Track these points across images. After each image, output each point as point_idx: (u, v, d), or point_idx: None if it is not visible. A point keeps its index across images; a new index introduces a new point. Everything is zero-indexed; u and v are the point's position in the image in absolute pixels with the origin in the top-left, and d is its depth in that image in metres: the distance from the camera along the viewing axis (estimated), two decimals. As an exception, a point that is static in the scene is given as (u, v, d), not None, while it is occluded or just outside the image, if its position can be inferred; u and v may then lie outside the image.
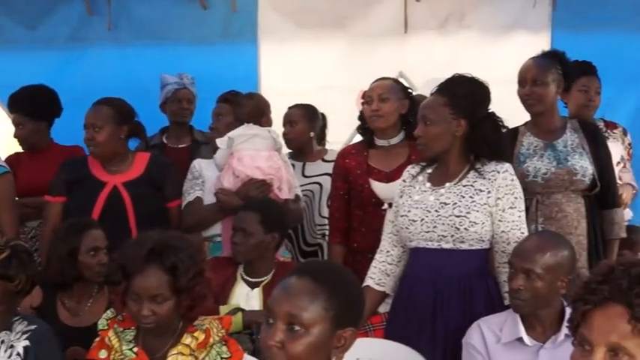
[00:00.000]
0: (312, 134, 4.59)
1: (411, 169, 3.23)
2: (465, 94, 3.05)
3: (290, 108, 4.63)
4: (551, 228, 3.47)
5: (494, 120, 3.10)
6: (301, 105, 4.64)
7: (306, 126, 4.58)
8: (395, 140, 3.80)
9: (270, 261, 3.46)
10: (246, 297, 3.39)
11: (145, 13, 5.42)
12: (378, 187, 3.73)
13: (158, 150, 4.56)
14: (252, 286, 3.42)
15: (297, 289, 1.85)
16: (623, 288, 1.66)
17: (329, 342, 1.85)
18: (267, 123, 4.11)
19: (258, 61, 5.30)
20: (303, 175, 4.49)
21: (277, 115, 4.47)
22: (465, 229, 2.97)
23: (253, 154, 3.81)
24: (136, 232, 3.56)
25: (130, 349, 2.58)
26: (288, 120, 4.59)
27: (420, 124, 3.07)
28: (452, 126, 3.03)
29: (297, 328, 1.81)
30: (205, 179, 3.91)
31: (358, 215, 3.80)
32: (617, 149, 4.28)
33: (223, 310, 3.24)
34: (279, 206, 3.66)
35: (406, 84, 4.52)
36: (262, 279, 3.42)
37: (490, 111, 3.10)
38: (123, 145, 3.85)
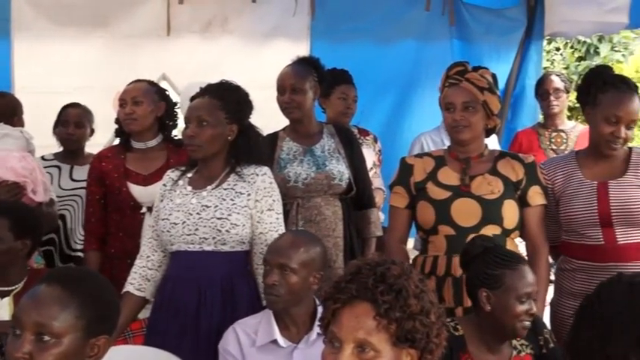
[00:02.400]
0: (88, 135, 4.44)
1: (171, 174, 3.22)
2: (236, 100, 3.11)
3: (69, 107, 4.43)
4: (311, 231, 3.56)
5: (254, 126, 3.19)
6: (80, 104, 4.46)
7: (87, 126, 4.42)
8: (152, 143, 3.76)
9: (22, 268, 3.28)
10: (-5, 307, 3.20)
11: None
12: (136, 190, 3.67)
13: None
14: (2, 295, 3.23)
15: (46, 297, 1.78)
16: (369, 286, 1.75)
17: (81, 351, 1.81)
18: (20, 123, 3.93)
19: (11, 58, 4.99)
20: (71, 179, 4.33)
21: (32, 115, 4.25)
22: (227, 231, 2.99)
23: (4, 155, 3.61)
24: None
25: None
26: (72, 119, 4.39)
27: (193, 125, 3.06)
28: (226, 130, 3.07)
29: (46, 338, 1.75)
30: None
31: (115, 220, 3.71)
32: (369, 155, 4.51)
33: (-31, 322, 3.04)
34: (32, 210, 3.48)
35: (169, 87, 4.48)
36: (13, 287, 3.23)
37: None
38: None
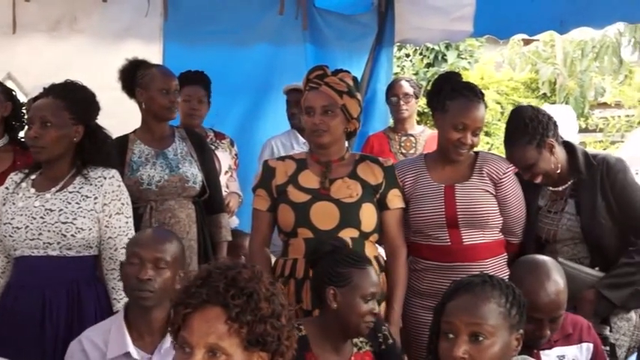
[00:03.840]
0: None
1: (14, 176, 3.11)
2: (82, 100, 3.05)
3: None
4: (165, 234, 3.54)
5: (102, 128, 3.13)
6: None
7: None
8: None
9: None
10: None
11: None
12: (-19, 194, 3.51)
13: None
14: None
15: None
16: (220, 290, 1.74)
17: None
18: None
19: None
20: None
21: None
22: (72, 235, 2.92)
23: None
24: None
25: None
26: None
27: (36, 126, 2.96)
28: (71, 131, 3.00)
29: None
30: None
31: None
32: (225, 159, 4.49)
33: None
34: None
35: (15, 87, 4.31)
36: None
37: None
38: None
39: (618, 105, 7.49)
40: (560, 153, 3.32)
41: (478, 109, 3.24)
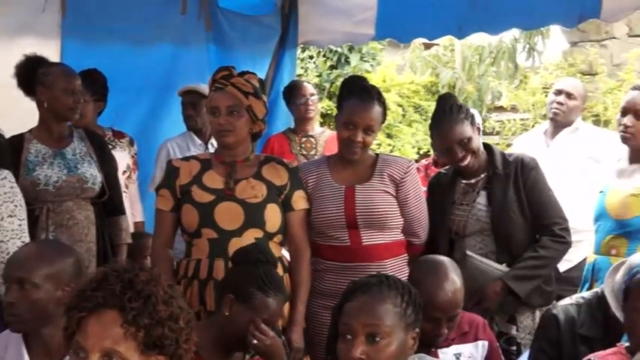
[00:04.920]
0: None
1: None
2: None
3: None
4: (63, 236, 3.47)
5: None
6: None
7: None
8: None
9: None
10: None
11: None
12: None
13: None
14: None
15: None
16: (116, 293, 1.71)
17: None
18: None
19: None
20: None
21: None
22: None
23: None
24: None
25: None
26: None
27: None
28: None
29: None
30: None
31: None
32: (123, 158, 4.41)
33: None
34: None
35: None
36: None
37: None
38: None
39: (514, 109, 7.74)
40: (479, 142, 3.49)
41: (368, 108, 3.29)
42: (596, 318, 2.96)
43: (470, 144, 3.41)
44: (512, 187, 3.45)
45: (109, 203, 3.73)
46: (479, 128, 3.65)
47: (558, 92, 4.88)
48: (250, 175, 3.22)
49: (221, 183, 3.19)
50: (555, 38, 8.09)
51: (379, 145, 8.39)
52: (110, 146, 4.18)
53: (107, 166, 3.76)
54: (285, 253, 3.39)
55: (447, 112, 3.43)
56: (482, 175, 3.51)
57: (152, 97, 5.22)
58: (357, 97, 3.30)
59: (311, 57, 9.10)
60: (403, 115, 8.88)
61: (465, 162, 3.43)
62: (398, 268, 3.28)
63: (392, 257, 3.35)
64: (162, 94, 5.20)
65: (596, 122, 7.02)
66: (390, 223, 3.34)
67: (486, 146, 3.59)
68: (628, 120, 3.55)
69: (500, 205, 3.43)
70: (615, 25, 7.38)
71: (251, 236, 3.10)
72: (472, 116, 3.48)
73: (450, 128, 3.41)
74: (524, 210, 3.44)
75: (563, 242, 3.45)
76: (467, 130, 3.40)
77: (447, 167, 3.70)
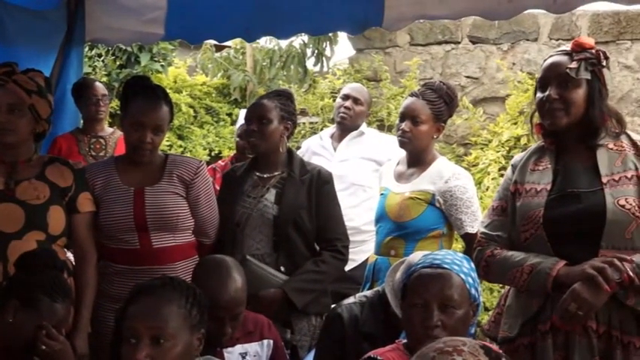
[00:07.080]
0: None
1: None
2: None
3: None
4: None
5: None
6: None
7: None
8: None
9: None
10: None
11: None
12: None
13: None
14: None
15: None
16: None
17: None
18: None
19: None
20: None
21: None
22: None
23: None
24: None
25: None
26: None
27: None
28: None
29: None
30: None
31: None
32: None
33: None
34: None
35: None
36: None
37: None
38: None
39: (303, 112, 7.94)
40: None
41: (156, 108, 3.28)
42: (377, 316, 3.10)
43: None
44: (305, 193, 3.53)
45: None
46: None
47: (345, 97, 5.07)
48: (32, 176, 3.13)
49: (1, 184, 3.08)
50: (343, 44, 8.39)
51: (170, 146, 8.31)
52: None
53: None
54: (70, 257, 3.30)
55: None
56: (277, 174, 3.58)
57: None
58: (143, 97, 3.27)
59: (100, 55, 8.83)
60: (194, 117, 8.84)
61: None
62: (189, 269, 3.29)
63: (183, 259, 3.35)
64: None
65: (381, 127, 7.33)
66: (180, 224, 3.34)
67: (288, 150, 3.66)
68: (405, 125, 3.71)
69: (289, 207, 3.50)
70: (398, 33, 7.75)
71: (32, 239, 3.02)
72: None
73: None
74: (311, 218, 3.52)
75: (342, 260, 3.58)
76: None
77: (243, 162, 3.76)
